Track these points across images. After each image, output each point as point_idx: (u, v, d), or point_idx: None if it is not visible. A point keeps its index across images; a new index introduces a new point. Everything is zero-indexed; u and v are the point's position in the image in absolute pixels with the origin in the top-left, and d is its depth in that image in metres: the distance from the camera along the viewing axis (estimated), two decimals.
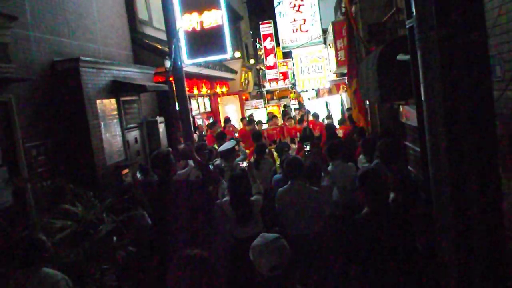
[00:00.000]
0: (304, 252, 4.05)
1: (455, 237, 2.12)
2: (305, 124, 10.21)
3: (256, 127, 11.30)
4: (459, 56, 2.16)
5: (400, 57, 4.46)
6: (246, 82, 18.65)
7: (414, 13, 2.45)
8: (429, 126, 2.33)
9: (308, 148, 5.50)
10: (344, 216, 4.53)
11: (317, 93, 22.26)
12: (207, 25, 9.65)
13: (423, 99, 2.43)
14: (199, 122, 13.18)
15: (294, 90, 29.46)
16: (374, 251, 3.21)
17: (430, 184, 2.46)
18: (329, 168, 5.08)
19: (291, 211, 4.29)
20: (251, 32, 28.23)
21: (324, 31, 15.48)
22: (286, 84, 26.52)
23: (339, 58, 11.85)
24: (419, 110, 2.77)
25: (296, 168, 4.39)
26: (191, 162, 5.43)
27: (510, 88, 2.82)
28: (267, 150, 7.00)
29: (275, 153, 7.56)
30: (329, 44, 13.82)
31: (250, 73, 19.86)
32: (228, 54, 9.98)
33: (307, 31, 16.15)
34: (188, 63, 9.64)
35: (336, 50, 11.87)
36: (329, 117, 13.06)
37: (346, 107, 13.45)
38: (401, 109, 6.41)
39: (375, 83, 5.23)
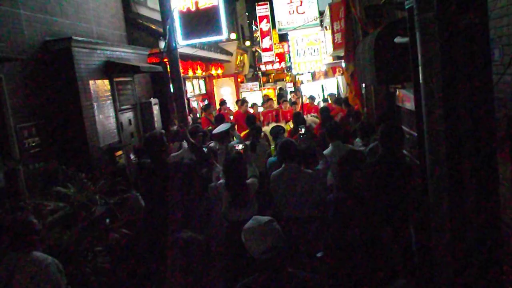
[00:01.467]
0: (296, 235, 4.05)
1: (451, 221, 2.10)
2: (298, 107, 10.16)
3: (249, 110, 11.20)
4: (459, 38, 2.11)
5: (398, 39, 4.40)
6: (242, 64, 18.50)
7: None
8: (427, 109, 2.29)
9: (303, 131, 5.45)
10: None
11: (313, 76, 22.12)
12: (202, 5, 9.52)
13: (421, 82, 2.38)
14: (193, 104, 13.07)
15: (290, 73, 29.29)
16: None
17: (425, 168, 2.43)
18: (329, 149, 5.06)
19: (284, 194, 4.28)
20: (247, 14, 27.89)
21: (321, 13, 15.31)
22: (282, 67, 26.32)
23: (335, 41, 11.70)
24: (417, 93, 2.73)
25: (289, 151, 4.36)
26: (185, 145, 5.39)
27: (508, 72, 2.77)
28: (262, 133, 6.95)
29: (269, 136, 7.50)
30: (325, 27, 13.67)
31: (245, 55, 19.67)
32: (224, 35, 9.88)
33: (303, 13, 15.91)
34: (183, 44, 9.52)
35: (333, 33, 11.72)
36: (325, 100, 13.00)
37: (336, 92, 13.41)
38: (397, 93, 6.37)
39: (372, 65, 5.18)
